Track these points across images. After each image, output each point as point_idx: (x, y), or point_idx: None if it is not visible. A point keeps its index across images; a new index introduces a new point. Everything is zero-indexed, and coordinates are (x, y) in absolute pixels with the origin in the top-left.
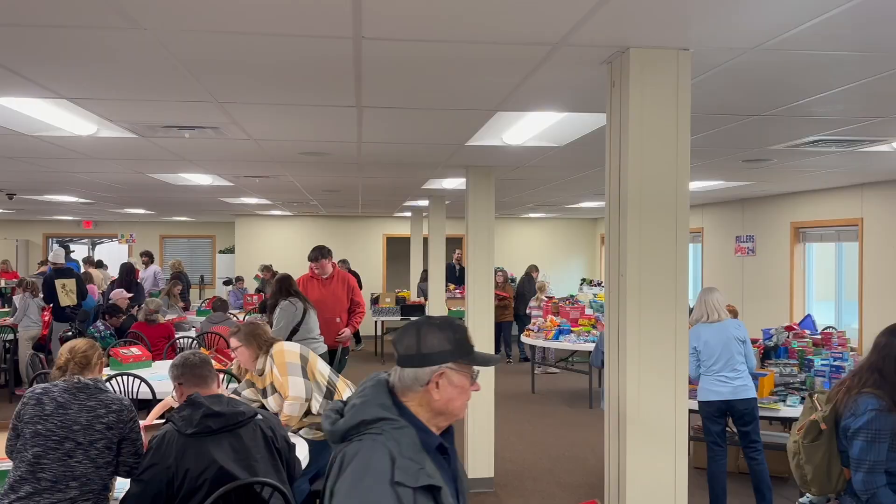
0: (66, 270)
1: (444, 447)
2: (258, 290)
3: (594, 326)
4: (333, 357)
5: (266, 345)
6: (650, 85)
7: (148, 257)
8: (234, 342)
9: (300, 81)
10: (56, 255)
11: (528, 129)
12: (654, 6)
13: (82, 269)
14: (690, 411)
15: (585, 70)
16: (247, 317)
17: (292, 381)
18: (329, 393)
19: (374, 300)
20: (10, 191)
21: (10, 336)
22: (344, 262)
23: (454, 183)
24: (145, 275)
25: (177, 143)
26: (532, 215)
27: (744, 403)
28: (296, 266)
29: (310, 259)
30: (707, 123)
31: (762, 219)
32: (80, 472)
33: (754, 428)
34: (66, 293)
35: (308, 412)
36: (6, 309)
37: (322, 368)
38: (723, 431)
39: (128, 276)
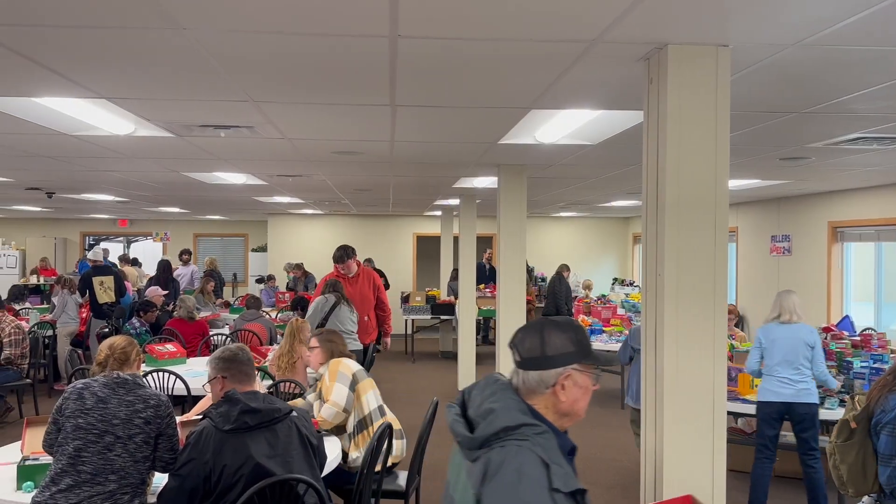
0: (104, 268)
1: (575, 449)
2: (289, 288)
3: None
4: (365, 355)
5: (332, 355)
6: (688, 82)
7: (188, 255)
8: (314, 341)
9: (335, 81)
10: (95, 253)
11: (561, 126)
12: (693, 2)
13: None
14: (738, 415)
15: (622, 67)
16: (279, 314)
17: (337, 388)
18: (363, 424)
19: (405, 299)
20: (49, 189)
21: (49, 332)
22: (369, 260)
23: (485, 181)
24: (182, 272)
25: (212, 142)
26: (563, 214)
27: (804, 407)
28: (327, 264)
29: (335, 260)
30: (744, 121)
31: (799, 218)
32: (119, 465)
33: (813, 434)
34: (104, 290)
35: (342, 428)
36: (45, 305)
37: (371, 399)
38: (776, 437)
39: (164, 273)
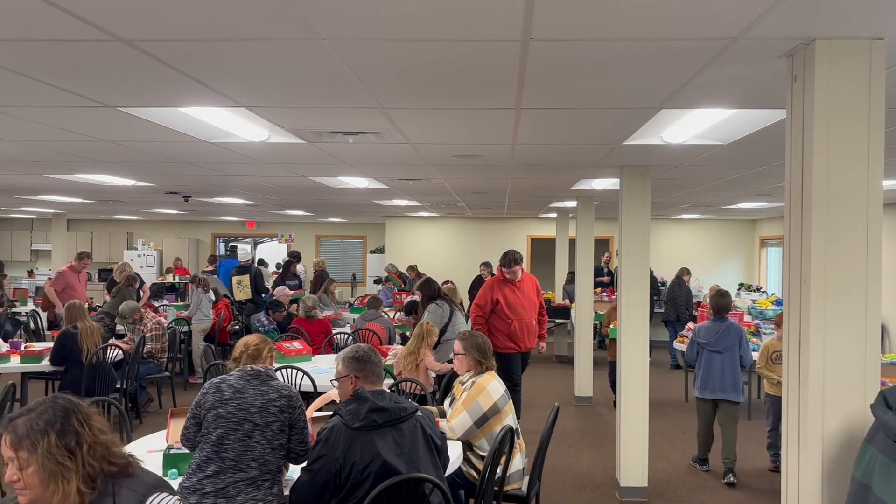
0: (242, 267)
1: None
2: (401, 289)
3: (754, 334)
4: (524, 360)
5: (480, 366)
6: (838, 78)
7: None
8: (457, 346)
9: (462, 85)
10: (244, 254)
11: (690, 126)
12: None
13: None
14: None
15: (762, 64)
16: (396, 314)
17: (462, 417)
18: (468, 446)
19: None
20: (186, 193)
21: (185, 328)
22: (487, 264)
23: (605, 183)
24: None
25: (340, 147)
26: (684, 216)
27: None
28: (442, 265)
29: (503, 264)
30: None
31: None
32: (259, 452)
33: None
34: (241, 289)
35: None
36: (180, 303)
37: (507, 422)
38: None
39: (286, 271)
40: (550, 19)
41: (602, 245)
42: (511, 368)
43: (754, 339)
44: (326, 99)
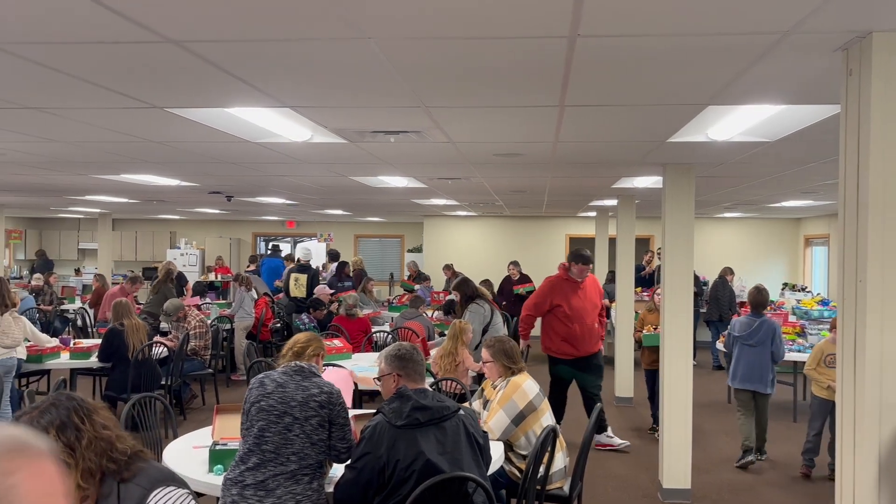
0: (303, 267)
1: None
2: (408, 290)
3: (799, 335)
4: (590, 361)
5: (508, 371)
6: None
7: (331, 256)
8: (485, 355)
9: (506, 83)
10: (306, 254)
11: (737, 123)
12: None
13: (285, 266)
14: None
15: (815, 59)
16: (434, 313)
17: (499, 416)
18: (508, 445)
19: None
20: (229, 193)
21: (227, 326)
22: (515, 263)
23: (647, 181)
24: (330, 270)
25: (381, 147)
26: (727, 215)
27: None
28: (479, 264)
29: (578, 262)
30: None
31: None
32: (298, 446)
33: None
34: (298, 287)
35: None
36: (222, 301)
37: (545, 420)
38: None
39: (339, 271)
40: (599, 15)
41: (642, 244)
42: (561, 376)
43: (799, 340)
44: (370, 98)
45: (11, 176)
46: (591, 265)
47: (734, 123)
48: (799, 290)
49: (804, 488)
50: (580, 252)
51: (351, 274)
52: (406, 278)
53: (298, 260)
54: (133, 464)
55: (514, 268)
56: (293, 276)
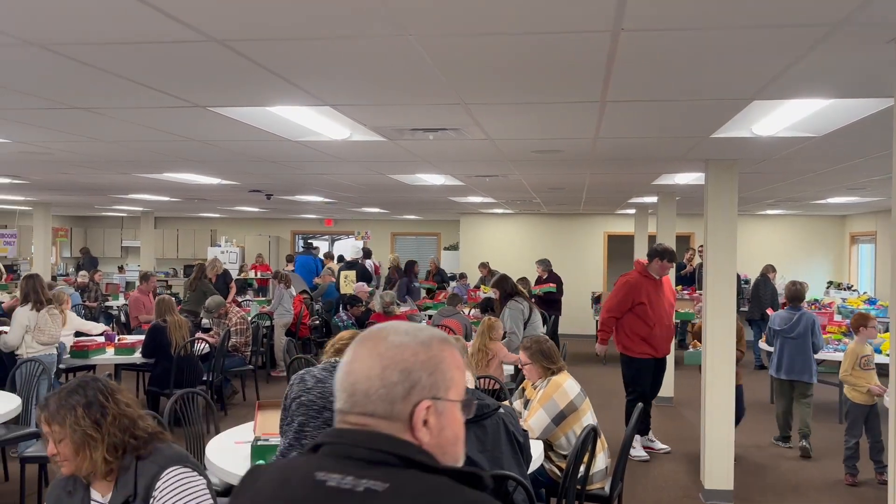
0: (351, 263)
1: None
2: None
3: (846, 334)
4: (662, 364)
5: (547, 372)
6: None
7: (364, 254)
8: (523, 356)
9: (547, 79)
10: (355, 251)
11: (782, 118)
12: None
13: (324, 264)
14: None
15: (866, 51)
16: (471, 311)
17: (539, 415)
18: (548, 445)
19: (595, 299)
20: (268, 192)
21: (267, 323)
22: (543, 262)
23: (688, 178)
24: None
25: (419, 145)
26: (769, 212)
27: None
28: (516, 262)
29: (665, 259)
30: None
31: None
32: None
33: None
34: (347, 283)
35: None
36: (261, 298)
37: (587, 419)
38: None
39: (408, 271)
40: (643, 8)
41: (682, 242)
42: (641, 378)
43: (845, 339)
44: (409, 96)
45: (58, 175)
46: (662, 261)
47: (780, 118)
48: (845, 289)
49: (850, 492)
50: (665, 248)
51: (385, 272)
52: (426, 277)
53: (342, 257)
54: (151, 442)
55: (541, 266)
56: (343, 272)
